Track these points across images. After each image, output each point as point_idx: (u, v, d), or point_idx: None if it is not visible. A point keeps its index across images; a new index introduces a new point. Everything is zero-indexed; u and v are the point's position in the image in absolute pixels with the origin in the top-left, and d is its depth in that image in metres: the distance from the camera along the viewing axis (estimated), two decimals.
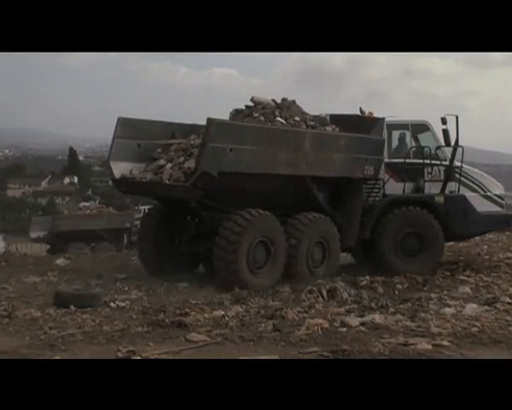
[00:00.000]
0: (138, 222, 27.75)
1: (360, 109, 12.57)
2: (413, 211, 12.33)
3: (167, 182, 10.47)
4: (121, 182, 11.20)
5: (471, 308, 8.25)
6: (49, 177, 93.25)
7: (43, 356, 6.12)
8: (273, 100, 11.91)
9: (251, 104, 11.77)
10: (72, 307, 8.64)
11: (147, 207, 29.28)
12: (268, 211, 10.60)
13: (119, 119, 11.28)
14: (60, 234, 25.18)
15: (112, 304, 9.01)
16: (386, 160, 12.53)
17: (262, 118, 11.27)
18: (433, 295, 9.29)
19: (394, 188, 12.66)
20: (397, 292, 9.90)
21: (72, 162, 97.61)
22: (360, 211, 12.10)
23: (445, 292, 9.67)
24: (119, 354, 6.22)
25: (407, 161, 12.59)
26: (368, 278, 10.76)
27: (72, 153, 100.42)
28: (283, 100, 12.05)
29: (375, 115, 12.56)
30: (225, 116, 11.76)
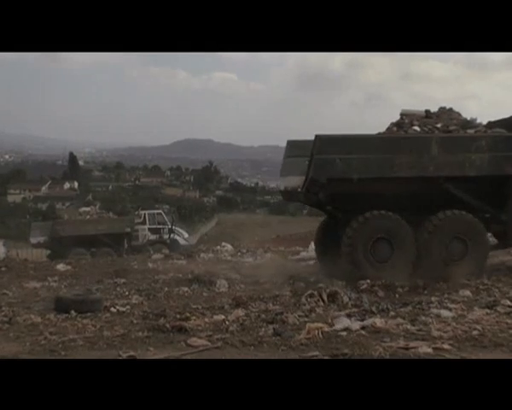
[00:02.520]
0: (138, 227, 27.94)
1: None
2: None
3: (298, 190, 12.34)
4: (283, 192, 13.32)
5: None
6: (50, 182, 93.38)
7: None
8: (426, 110, 13.08)
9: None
10: (73, 312, 8.65)
11: (147, 212, 29.43)
12: (398, 212, 11.66)
13: (288, 141, 13.15)
14: (60, 239, 25.18)
15: (112, 309, 9.01)
16: None
17: (395, 128, 12.79)
18: (433, 299, 9.27)
19: None
20: (397, 296, 9.87)
21: (73, 167, 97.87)
22: None
23: (446, 295, 9.65)
24: None
25: None
26: (368, 281, 10.75)
27: (73, 158, 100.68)
28: (441, 108, 13.22)
29: None
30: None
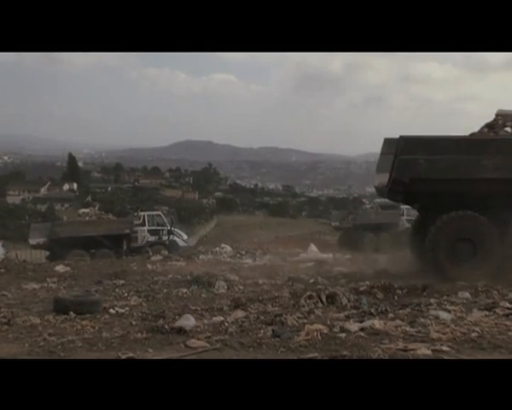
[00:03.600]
0: (137, 228, 27.91)
1: None
2: None
3: (385, 188, 12.65)
4: (377, 188, 13.72)
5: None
6: (49, 183, 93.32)
7: None
8: None
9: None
10: (72, 313, 8.64)
11: (146, 214, 29.42)
12: (483, 212, 11.82)
13: (384, 139, 13.15)
14: (59, 240, 25.11)
15: (111, 310, 9.01)
16: None
17: (486, 129, 13.06)
18: (432, 301, 9.27)
19: None
20: (396, 297, 9.88)
21: (72, 169, 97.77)
22: None
23: (445, 297, 9.65)
24: None
25: None
26: (367, 283, 10.75)
27: (72, 159, 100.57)
28: None
29: None
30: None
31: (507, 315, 8.24)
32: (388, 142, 13.10)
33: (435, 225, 11.93)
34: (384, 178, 12.63)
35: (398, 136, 12.37)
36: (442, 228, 11.87)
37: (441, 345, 6.69)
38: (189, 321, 7.85)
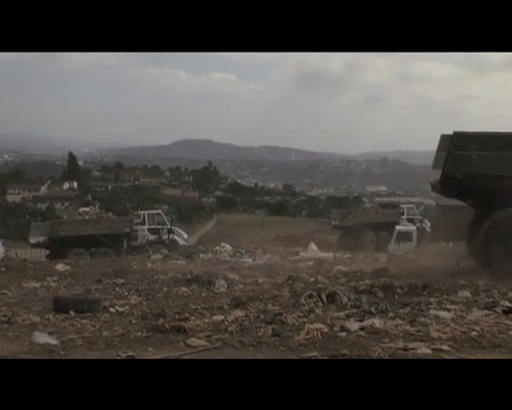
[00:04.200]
0: (137, 227, 27.94)
1: None
2: None
3: (438, 184, 12.73)
4: (431, 185, 13.57)
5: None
6: (49, 182, 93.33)
7: None
8: None
9: None
10: (72, 312, 8.65)
11: (146, 213, 29.44)
12: None
13: (441, 135, 12.90)
14: (59, 239, 25.17)
15: (111, 309, 9.02)
16: None
17: None
18: (432, 300, 9.27)
19: None
20: (396, 297, 9.88)
21: (72, 168, 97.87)
22: None
23: (445, 296, 9.66)
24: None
25: None
26: (367, 282, 10.75)
27: (72, 158, 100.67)
28: None
29: None
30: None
31: (507, 314, 8.25)
32: (444, 138, 13.00)
33: (487, 222, 11.91)
34: (437, 175, 12.64)
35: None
36: (494, 225, 11.85)
37: (441, 344, 6.69)
38: (46, 338, 7.15)
